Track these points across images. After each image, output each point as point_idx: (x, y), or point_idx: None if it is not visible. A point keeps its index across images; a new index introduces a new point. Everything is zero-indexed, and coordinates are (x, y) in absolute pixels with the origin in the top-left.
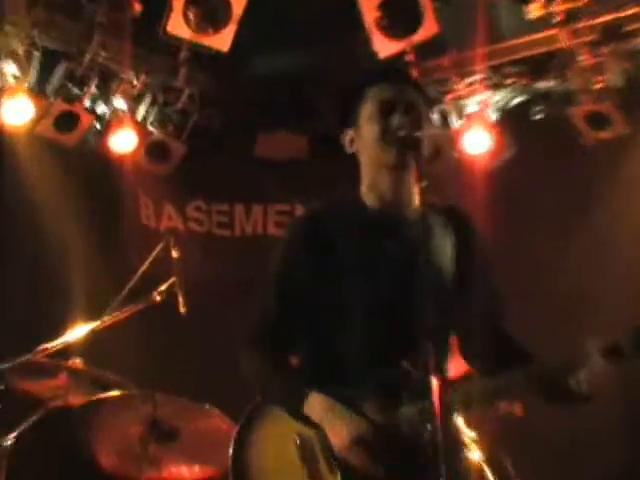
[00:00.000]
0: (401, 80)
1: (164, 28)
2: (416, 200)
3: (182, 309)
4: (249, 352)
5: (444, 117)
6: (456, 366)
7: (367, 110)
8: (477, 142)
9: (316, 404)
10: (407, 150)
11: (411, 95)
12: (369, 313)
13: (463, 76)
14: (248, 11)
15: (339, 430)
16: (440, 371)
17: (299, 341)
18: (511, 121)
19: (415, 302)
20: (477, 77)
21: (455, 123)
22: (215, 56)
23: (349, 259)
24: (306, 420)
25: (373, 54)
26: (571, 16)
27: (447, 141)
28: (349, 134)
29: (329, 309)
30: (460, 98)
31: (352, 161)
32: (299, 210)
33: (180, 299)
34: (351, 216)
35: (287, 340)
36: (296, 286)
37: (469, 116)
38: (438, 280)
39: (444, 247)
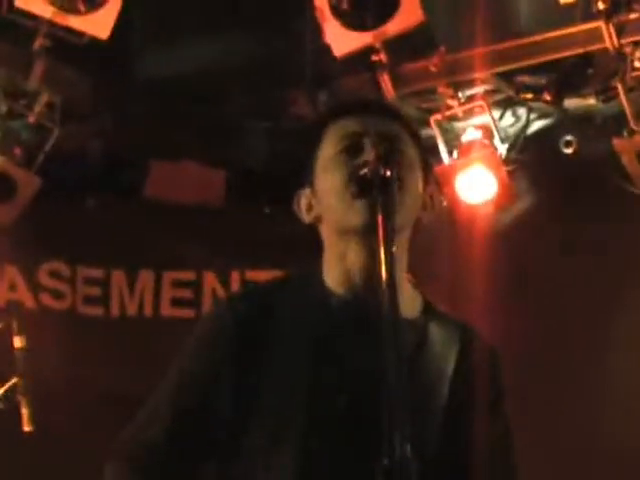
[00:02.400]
0: (379, 111)
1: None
2: (407, 292)
3: (26, 426)
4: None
5: (427, 149)
6: None
7: (325, 154)
8: (477, 186)
9: None
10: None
11: (391, 128)
12: (317, 448)
13: (458, 87)
14: None
15: None
16: None
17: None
18: (528, 156)
19: (384, 436)
20: (479, 89)
21: (445, 156)
22: (90, 47)
23: (296, 372)
24: None
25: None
26: (619, 4)
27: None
28: (305, 196)
29: (257, 438)
30: (453, 120)
31: (294, 217)
32: (210, 282)
33: (24, 411)
34: (307, 308)
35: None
36: (206, 403)
37: (466, 147)
38: (421, 410)
39: (439, 370)
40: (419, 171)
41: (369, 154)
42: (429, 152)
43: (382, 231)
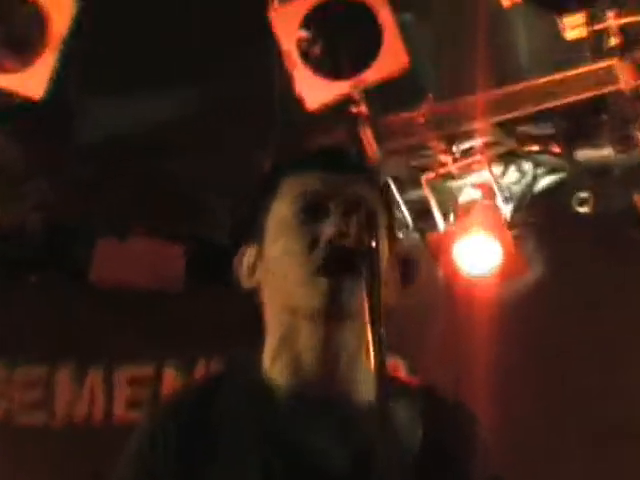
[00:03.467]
0: (346, 167)
1: None
2: (365, 372)
3: None
4: None
5: (420, 213)
6: None
7: (279, 212)
8: (478, 255)
9: None
10: (348, 279)
11: (361, 190)
12: None
13: (452, 141)
14: (82, 34)
15: None
16: None
17: None
18: (537, 218)
19: None
20: (476, 142)
21: (439, 221)
22: (22, 108)
23: (241, 474)
24: None
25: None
26: (634, 40)
27: (426, 255)
28: (248, 255)
29: None
30: (448, 178)
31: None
32: (171, 377)
33: None
34: (250, 406)
35: None
36: None
37: (464, 209)
38: None
39: (405, 453)
40: (386, 242)
41: (336, 219)
42: (422, 217)
43: (369, 311)
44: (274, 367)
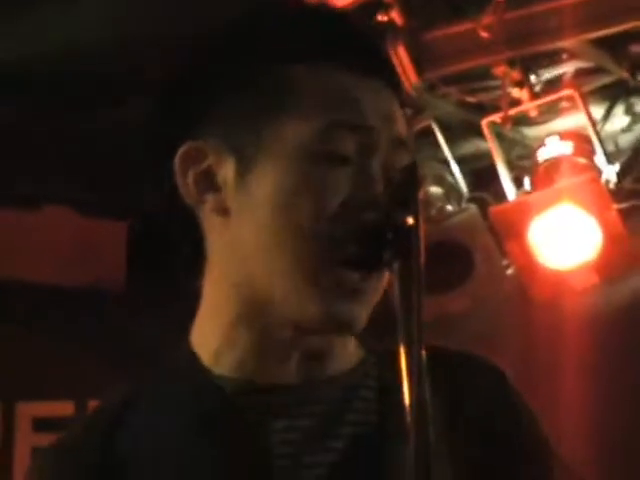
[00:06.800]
0: (385, 71)
1: None
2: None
3: None
4: None
5: (479, 175)
6: None
7: (289, 131)
8: (566, 239)
9: None
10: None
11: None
12: None
13: (530, 67)
14: None
15: None
16: None
17: None
18: None
19: None
20: (566, 69)
21: (509, 187)
22: None
23: None
24: None
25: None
26: None
27: (487, 239)
28: (211, 152)
29: None
30: (522, 123)
31: None
32: None
33: None
34: (182, 407)
35: None
36: None
37: (545, 170)
38: None
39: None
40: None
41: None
42: (482, 181)
43: (404, 322)
44: (221, 360)
